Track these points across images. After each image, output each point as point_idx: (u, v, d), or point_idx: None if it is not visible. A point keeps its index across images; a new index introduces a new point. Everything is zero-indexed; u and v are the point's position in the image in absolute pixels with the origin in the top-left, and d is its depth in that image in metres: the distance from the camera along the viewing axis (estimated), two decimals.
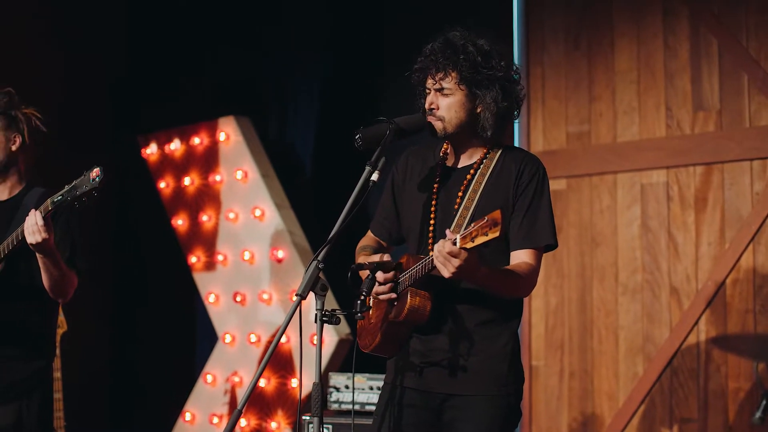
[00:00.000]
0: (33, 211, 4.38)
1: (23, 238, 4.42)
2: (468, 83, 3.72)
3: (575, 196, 6.29)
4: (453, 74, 3.73)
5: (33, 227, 4.34)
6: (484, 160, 3.82)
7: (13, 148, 4.86)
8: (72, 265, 4.70)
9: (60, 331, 6.37)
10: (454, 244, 3.33)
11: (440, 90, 3.76)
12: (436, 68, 3.75)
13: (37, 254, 4.49)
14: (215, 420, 7.43)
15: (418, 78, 3.86)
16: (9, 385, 4.71)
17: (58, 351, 6.16)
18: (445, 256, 3.37)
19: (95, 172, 4.17)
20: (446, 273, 3.40)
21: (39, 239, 4.35)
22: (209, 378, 7.50)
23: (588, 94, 6.31)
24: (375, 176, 3.59)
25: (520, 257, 3.73)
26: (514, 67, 3.82)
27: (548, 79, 6.46)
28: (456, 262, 3.36)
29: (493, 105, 3.73)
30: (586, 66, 6.33)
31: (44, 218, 4.35)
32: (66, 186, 4.31)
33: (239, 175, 7.37)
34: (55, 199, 4.33)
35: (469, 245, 3.28)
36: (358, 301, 3.57)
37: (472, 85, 3.72)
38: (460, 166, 3.87)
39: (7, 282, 4.72)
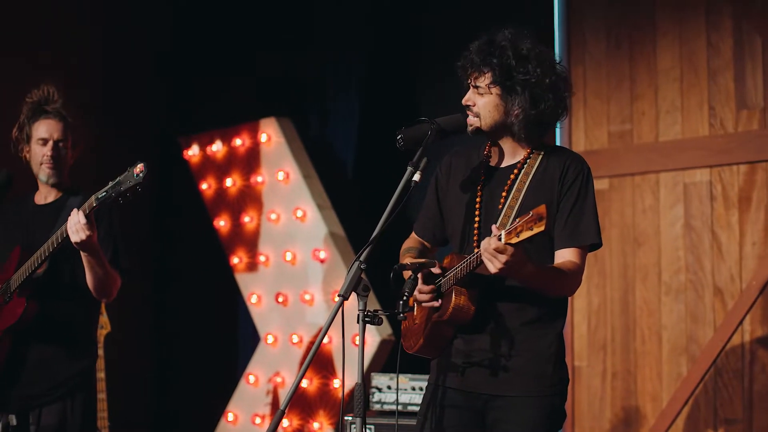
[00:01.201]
0: (75, 210, 4.41)
1: (66, 237, 4.45)
2: (501, 85, 3.71)
3: (617, 195, 6.25)
4: (486, 75, 3.73)
5: (76, 225, 4.38)
6: (528, 160, 3.81)
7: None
8: (115, 265, 4.74)
9: (103, 332, 6.43)
10: (500, 239, 3.33)
11: (476, 88, 3.77)
12: (472, 67, 3.76)
13: (81, 253, 4.53)
14: (257, 420, 7.45)
15: (461, 75, 3.86)
16: (53, 386, 4.75)
17: (101, 351, 6.21)
18: (491, 252, 3.37)
19: (139, 167, 4.22)
20: (493, 269, 3.39)
21: (83, 237, 4.38)
22: (251, 378, 7.52)
23: (630, 93, 6.27)
24: (417, 176, 3.60)
25: (565, 256, 3.72)
26: (556, 74, 3.76)
27: (590, 78, 6.43)
28: (503, 257, 3.35)
29: (521, 112, 3.72)
30: (628, 64, 6.30)
31: (87, 216, 4.39)
32: (110, 182, 4.34)
33: (281, 176, 7.39)
34: (99, 196, 4.36)
35: (514, 240, 3.27)
36: (401, 302, 3.56)
37: (503, 87, 3.71)
38: (503, 165, 3.87)
39: (50, 282, 4.76)
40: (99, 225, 4.67)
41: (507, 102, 3.73)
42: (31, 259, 4.65)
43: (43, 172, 4.91)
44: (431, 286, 3.72)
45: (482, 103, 3.76)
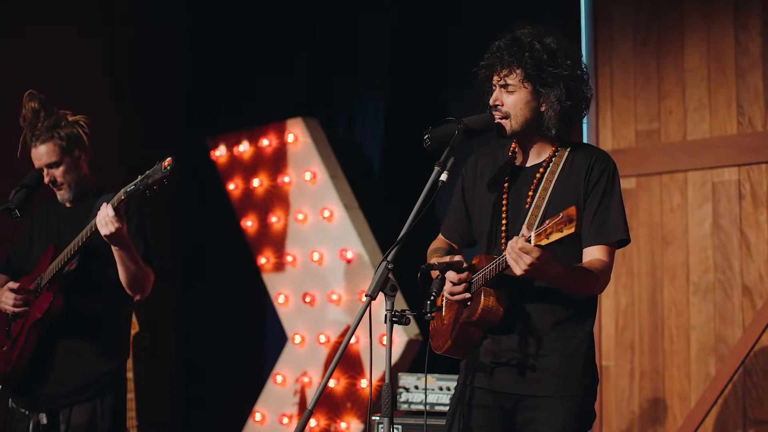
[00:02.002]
0: (105, 204, 4.44)
1: (95, 231, 4.48)
2: (532, 81, 3.70)
3: (645, 194, 6.23)
4: (517, 71, 3.71)
5: (105, 218, 4.41)
6: (554, 158, 3.80)
7: (83, 165, 4.93)
8: (147, 262, 4.75)
9: (132, 332, 6.44)
10: (529, 241, 3.32)
11: (505, 87, 3.75)
12: (501, 65, 3.74)
13: (113, 247, 4.55)
14: (285, 420, 7.46)
15: (484, 74, 3.85)
16: (84, 385, 4.77)
17: (130, 351, 6.24)
18: (517, 253, 3.36)
19: (167, 161, 4.25)
20: (518, 270, 3.38)
21: (112, 229, 4.41)
22: (279, 378, 7.53)
23: (657, 92, 6.25)
24: (444, 176, 3.58)
25: (593, 254, 3.70)
26: (583, 66, 3.79)
27: (617, 77, 6.41)
28: (528, 258, 3.35)
29: (557, 104, 3.71)
30: (656, 63, 6.27)
31: (116, 209, 4.41)
32: (139, 176, 4.37)
33: (308, 176, 7.40)
34: (128, 189, 4.40)
35: (544, 242, 3.26)
36: (428, 302, 3.56)
37: (536, 82, 3.70)
38: (528, 164, 3.86)
39: (80, 278, 4.79)
40: (129, 222, 4.71)
41: (539, 97, 3.73)
42: (61, 255, 4.68)
43: (57, 194, 4.94)
44: (465, 274, 3.71)
45: (512, 102, 3.75)
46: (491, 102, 3.79)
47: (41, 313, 4.68)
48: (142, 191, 4.34)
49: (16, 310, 4.76)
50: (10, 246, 5.21)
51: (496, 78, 3.79)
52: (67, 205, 4.97)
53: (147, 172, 4.34)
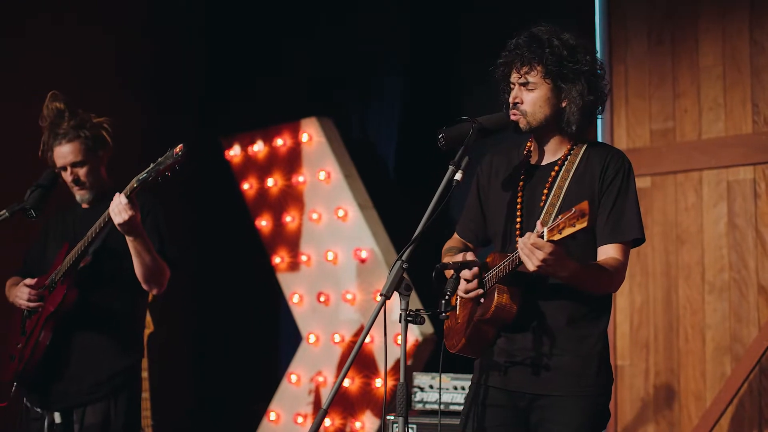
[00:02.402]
0: (118, 193, 4.45)
1: (109, 220, 4.49)
2: (553, 77, 3.70)
3: (660, 193, 6.22)
4: (538, 68, 3.71)
5: (118, 207, 4.42)
6: (569, 156, 3.80)
7: (103, 166, 4.96)
8: (163, 256, 4.76)
9: (146, 332, 6.46)
10: (542, 236, 3.32)
11: (525, 84, 3.75)
12: (521, 62, 3.74)
13: (128, 238, 4.55)
14: (300, 420, 7.47)
15: (502, 73, 3.85)
16: (97, 383, 4.78)
17: (145, 351, 6.25)
18: (529, 248, 3.36)
19: (178, 147, 4.28)
20: (531, 266, 3.39)
21: (125, 217, 4.42)
22: (293, 378, 7.54)
23: (672, 91, 6.24)
24: (458, 176, 3.58)
25: (608, 252, 3.70)
26: (599, 62, 3.79)
27: (631, 76, 6.40)
28: (540, 254, 3.35)
29: (579, 99, 3.71)
30: (670, 62, 6.26)
31: (129, 197, 4.42)
32: (151, 164, 4.38)
33: (322, 175, 7.41)
34: (140, 177, 4.41)
35: (557, 237, 3.27)
36: (443, 301, 3.56)
37: (557, 79, 3.70)
38: (544, 163, 3.86)
39: (94, 274, 4.80)
40: (145, 217, 4.73)
41: (560, 93, 3.73)
42: (75, 248, 4.69)
43: (76, 195, 4.96)
44: (476, 270, 3.71)
45: (532, 99, 3.74)
46: (511, 100, 3.79)
47: (55, 306, 4.69)
48: (155, 178, 4.36)
49: (31, 304, 4.78)
50: (26, 251, 5.23)
51: (515, 76, 3.78)
52: (84, 206, 4.99)
53: (158, 159, 4.36)
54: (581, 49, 3.74)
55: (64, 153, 4.85)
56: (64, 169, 4.88)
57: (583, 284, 3.63)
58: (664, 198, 6.20)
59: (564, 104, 3.74)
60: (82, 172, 4.89)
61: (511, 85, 3.81)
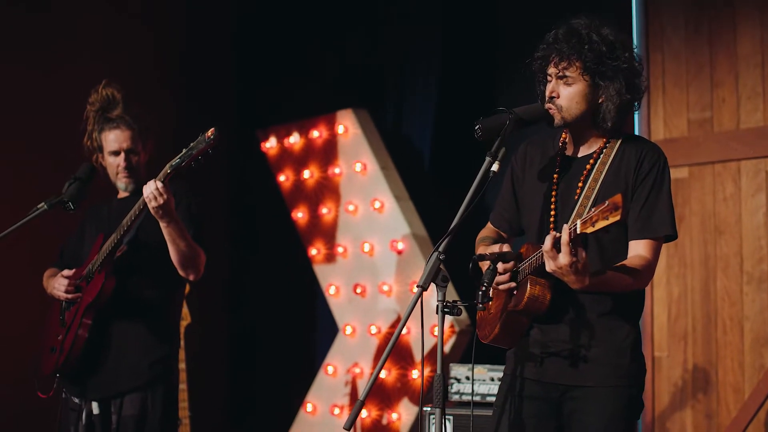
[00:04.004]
0: (152, 180, 4.48)
1: (144, 208, 4.52)
2: (592, 73, 3.68)
3: (698, 184, 6.18)
4: (577, 63, 3.69)
5: (153, 192, 4.45)
6: (604, 150, 3.79)
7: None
8: (199, 242, 4.78)
9: (183, 323, 6.49)
10: (575, 229, 3.31)
11: (562, 78, 3.73)
12: (560, 57, 3.72)
13: (162, 224, 4.58)
14: (336, 411, 7.48)
15: (539, 65, 3.83)
16: (134, 374, 4.81)
17: (181, 342, 6.28)
18: (548, 254, 3.40)
19: (210, 131, 4.31)
20: (548, 267, 3.42)
21: (161, 201, 4.45)
22: (330, 369, 7.56)
23: (710, 80, 6.19)
24: (495, 167, 3.58)
25: (637, 249, 3.68)
26: (638, 59, 3.77)
27: (668, 65, 6.36)
28: (550, 263, 3.41)
29: (617, 97, 3.69)
30: (708, 51, 6.21)
31: (162, 182, 4.45)
32: (183, 149, 4.41)
33: (358, 167, 7.41)
34: (173, 163, 4.44)
35: (590, 230, 3.26)
36: (480, 292, 3.56)
37: (595, 75, 3.68)
38: (579, 155, 3.85)
39: (132, 264, 4.83)
40: (179, 205, 4.77)
41: (597, 90, 3.71)
42: (110, 238, 4.72)
43: (120, 182, 4.99)
44: (511, 263, 3.71)
45: (569, 94, 3.73)
46: (548, 94, 3.78)
47: (93, 296, 4.72)
48: (188, 163, 4.39)
49: (69, 296, 4.82)
50: (64, 242, 5.27)
51: (553, 69, 3.77)
52: (120, 196, 5.02)
53: (191, 144, 4.39)
54: (620, 46, 3.71)
55: (120, 138, 4.92)
56: (116, 153, 4.93)
57: (601, 290, 3.64)
58: (701, 188, 6.16)
59: (601, 101, 3.72)
60: (134, 159, 4.95)
61: (549, 78, 3.79)
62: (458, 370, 5.78)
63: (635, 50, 3.79)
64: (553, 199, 3.81)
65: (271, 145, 8.09)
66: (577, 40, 3.69)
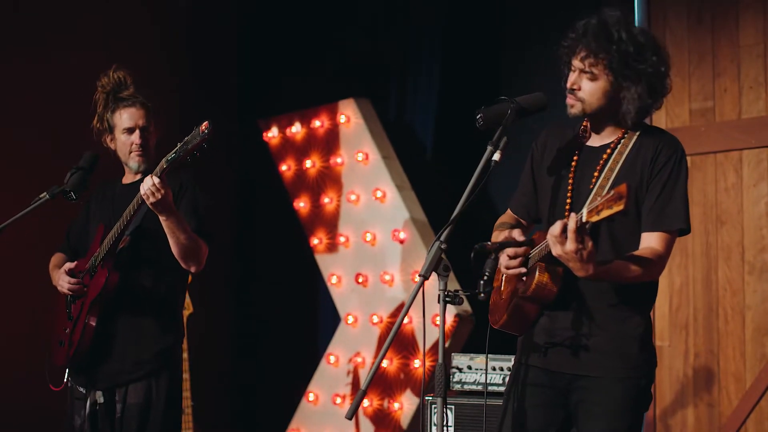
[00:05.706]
0: (149, 176, 4.48)
1: (142, 201, 4.52)
2: (615, 74, 3.67)
3: (699, 174, 6.17)
4: (603, 62, 3.67)
5: (150, 188, 4.45)
6: (622, 140, 3.77)
7: (156, 137, 5.03)
8: (201, 234, 4.78)
9: (186, 313, 6.50)
10: (581, 217, 3.31)
11: (586, 73, 3.72)
12: (586, 51, 3.70)
13: (161, 219, 4.58)
14: (338, 400, 7.49)
15: (565, 53, 3.80)
16: (138, 363, 4.81)
17: (185, 332, 6.29)
18: (553, 239, 3.39)
19: (204, 125, 4.29)
20: (554, 252, 3.42)
21: (158, 196, 4.45)
22: (332, 359, 7.57)
23: (712, 70, 6.19)
24: (497, 156, 3.58)
25: (649, 241, 3.67)
26: (665, 63, 3.74)
27: (671, 54, 6.30)
28: (557, 248, 3.40)
29: (638, 100, 3.67)
30: (710, 40, 6.20)
31: (159, 177, 4.45)
32: (178, 143, 4.41)
33: (360, 156, 7.41)
34: (169, 158, 4.43)
35: (595, 218, 3.26)
36: (481, 282, 3.56)
37: (619, 76, 3.67)
38: (597, 144, 3.83)
39: (132, 257, 4.83)
40: (182, 197, 4.78)
41: (619, 89, 3.69)
42: (111, 231, 4.72)
43: (133, 161, 4.98)
44: (522, 249, 3.70)
45: (589, 89, 3.71)
46: (569, 85, 3.76)
47: (98, 291, 4.73)
48: (183, 157, 4.38)
49: (73, 291, 4.83)
50: (69, 223, 5.28)
51: (577, 63, 3.74)
52: (128, 180, 5.02)
53: (186, 138, 4.38)
54: (649, 48, 3.69)
55: (135, 115, 4.92)
56: (131, 130, 4.93)
57: (612, 280, 3.63)
58: (703, 178, 6.16)
59: (622, 97, 3.71)
60: (149, 137, 4.96)
61: (572, 68, 3.78)
62: (460, 360, 5.78)
63: (663, 53, 3.76)
64: (569, 187, 3.80)
65: (273, 134, 8.09)
66: (606, 37, 3.66)
